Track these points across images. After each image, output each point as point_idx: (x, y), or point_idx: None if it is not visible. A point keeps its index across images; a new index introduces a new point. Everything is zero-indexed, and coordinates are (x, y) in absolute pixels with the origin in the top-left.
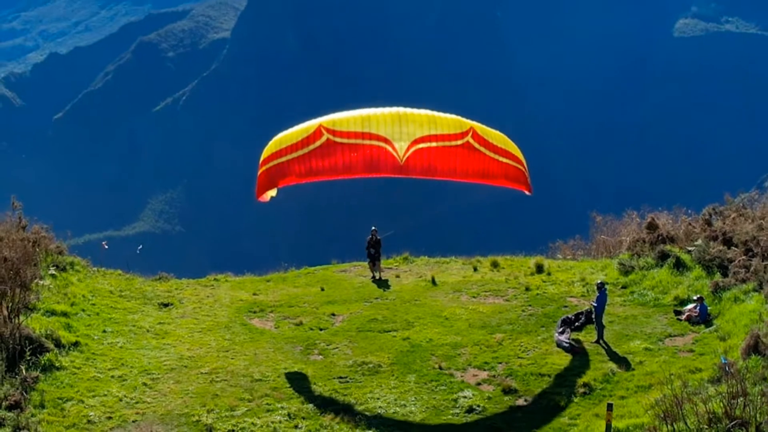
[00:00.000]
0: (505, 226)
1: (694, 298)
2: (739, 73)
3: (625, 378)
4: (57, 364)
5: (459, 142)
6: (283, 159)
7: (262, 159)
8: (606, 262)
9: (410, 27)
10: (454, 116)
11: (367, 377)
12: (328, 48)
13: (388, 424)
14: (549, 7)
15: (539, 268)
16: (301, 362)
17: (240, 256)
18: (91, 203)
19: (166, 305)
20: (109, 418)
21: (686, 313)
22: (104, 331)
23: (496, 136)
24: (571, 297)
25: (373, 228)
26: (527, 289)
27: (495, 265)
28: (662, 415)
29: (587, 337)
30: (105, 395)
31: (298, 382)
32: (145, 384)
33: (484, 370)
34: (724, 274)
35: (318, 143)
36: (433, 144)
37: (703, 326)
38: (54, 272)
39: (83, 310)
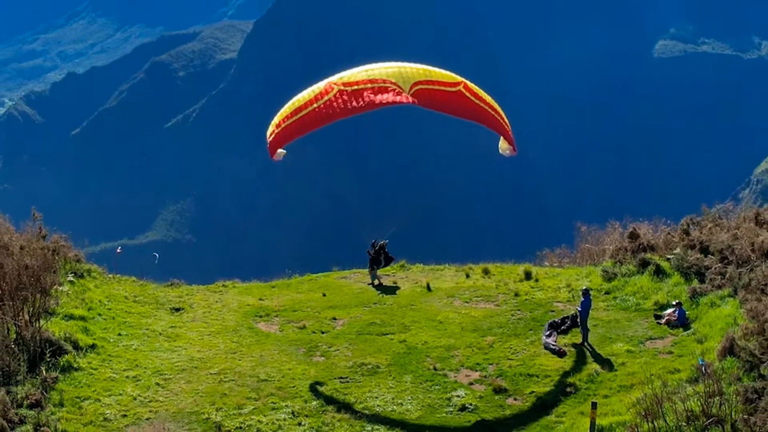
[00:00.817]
0: (495, 235)
1: (673, 303)
2: (714, 91)
3: (609, 378)
4: (75, 365)
5: (452, 89)
6: (303, 113)
7: (277, 121)
8: (590, 270)
9: (407, 47)
10: (446, 71)
11: (366, 377)
12: (329, 67)
13: (386, 421)
14: (537, 28)
15: (528, 275)
16: (304, 363)
17: (246, 262)
18: (106, 213)
19: (177, 310)
20: (124, 416)
21: (666, 317)
22: (119, 334)
23: (486, 95)
24: (558, 302)
25: (383, 241)
26: (516, 294)
27: (486, 272)
28: (643, 413)
29: (573, 339)
30: (120, 394)
31: (302, 382)
32: (157, 384)
33: (476, 370)
34: (701, 281)
35: (331, 95)
36: (431, 87)
37: (681, 329)
38: (72, 279)
39: (100, 315)
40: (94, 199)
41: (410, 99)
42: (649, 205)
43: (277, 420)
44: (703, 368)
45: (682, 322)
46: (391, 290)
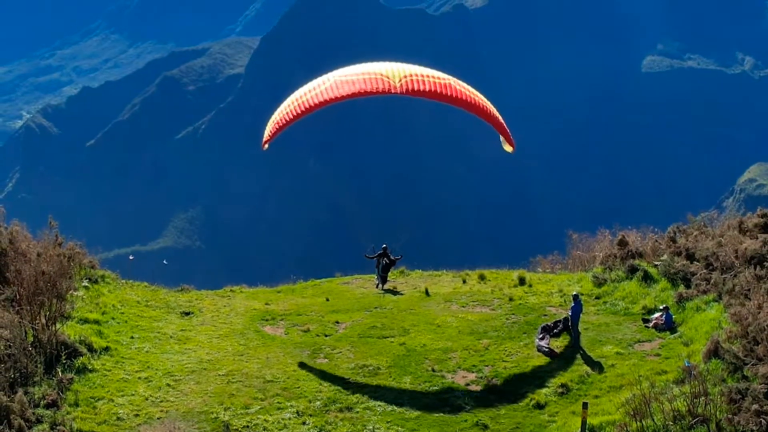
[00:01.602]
0: (489, 242)
1: (661, 307)
2: (700, 105)
3: (599, 379)
4: (90, 367)
5: (444, 81)
6: (296, 97)
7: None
8: (581, 275)
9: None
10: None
11: (368, 378)
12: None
13: (387, 420)
14: (529, 45)
15: (522, 281)
16: (308, 365)
17: (253, 268)
18: (119, 221)
19: (187, 314)
20: (137, 415)
21: (653, 321)
22: (132, 337)
23: (477, 92)
24: (551, 306)
25: (385, 245)
26: (511, 299)
27: (482, 277)
28: (632, 413)
29: (564, 342)
30: (133, 395)
31: (306, 383)
32: (168, 385)
33: (473, 372)
34: (687, 286)
35: (326, 84)
36: (420, 77)
37: (668, 333)
38: (87, 284)
39: (113, 319)
40: (108, 207)
41: (398, 89)
42: (637, 212)
43: (283, 419)
44: (689, 370)
45: (669, 326)
46: (393, 294)
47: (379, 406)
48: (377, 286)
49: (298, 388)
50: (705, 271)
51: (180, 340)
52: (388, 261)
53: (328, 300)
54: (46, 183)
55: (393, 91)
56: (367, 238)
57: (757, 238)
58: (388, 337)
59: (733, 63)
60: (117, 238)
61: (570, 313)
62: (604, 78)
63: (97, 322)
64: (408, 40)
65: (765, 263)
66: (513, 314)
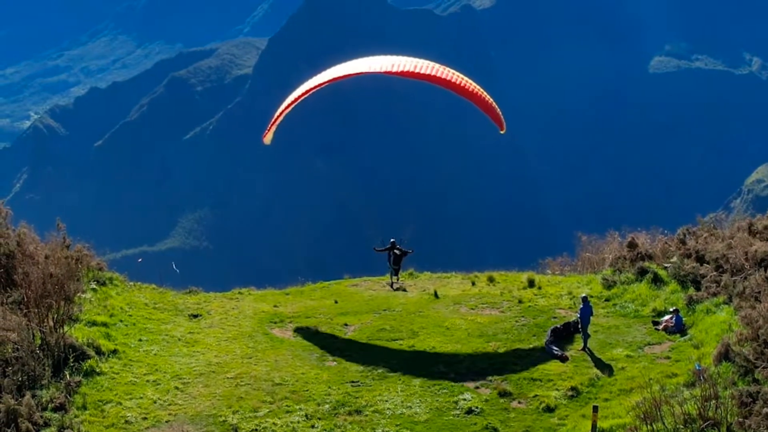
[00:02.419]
0: (497, 243)
1: (671, 309)
2: (707, 105)
3: (609, 382)
4: (98, 370)
5: (434, 66)
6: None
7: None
8: (591, 278)
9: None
10: None
11: (377, 381)
12: (339, 83)
13: (396, 424)
14: (536, 45)
15: (531, 283)
16: (317, 368)
17: (261, 268)
18: (127, 222)
19: (195, 316)
20: (145, 418)
21: (663, 324)
22: (140, 340)
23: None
24: (560, 309)
25: (393, 240)
26: (520, 301)
27: (491, 280)
28: (642, 416)
29: (574, 345)
30: (141, 398)
31: (315, 386)
32: (176, 388)
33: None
34: (697, 288)
35: (318, 75)
36: (415, 61)
37: (678, 335)
38: (95, 286)
39: (121, 321)
40: (116, 208)
41: (389, 70)
42: (644, 213)
43: (291, 423)
44: (700, 373)
45: (679, 329)
46: (401, 296)
47: (388, 409)
48: (391, 285)
49: (307, 391)
50: (715, 273)
51: (188, 343)
52: (399, 252)
53: (336, 302)
54: (53, 183)
55: (380, 69)
56: (375, 238)
57: (767, 240)
58: (397, 340)
59: (740, 64)
60: (124, 239)
61: (579, 315)
62: (611, 78)
63: (105, 324)
64: (415, 40)
65: None
66: (522, 317)
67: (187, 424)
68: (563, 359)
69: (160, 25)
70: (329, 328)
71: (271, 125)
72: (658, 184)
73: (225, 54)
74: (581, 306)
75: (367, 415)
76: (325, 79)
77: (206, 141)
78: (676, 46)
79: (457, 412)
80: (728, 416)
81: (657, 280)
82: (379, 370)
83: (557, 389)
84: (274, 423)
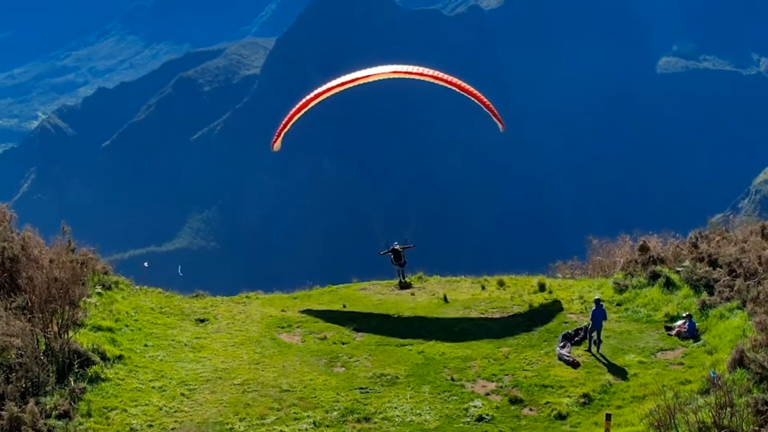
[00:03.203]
0: (506, 244)
1: (683, 315)
2: (715, 105)
3: (622, 389)
4: (102, 376)
5: (433, 71)
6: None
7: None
8: (602, 281)
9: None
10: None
11: (386, 388)
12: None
13: (405, 431)
14: (544, 46)
15: (541, 287)
16: (325, 374)
17: (269, 269)
18: (135, 222)
19: (202, 321)
20: (150, 426)
21: (676, 329)
22: (146, 345)
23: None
24: (571, 313)
25: (396, 242)
26: (531, 306)
27: (501, 284)
28: (656, 424)
29: (587, 351)
30: (146, 405)
31: (323, 392)
32: (182, 394)
33: (493, 381)
34: (710, 293)
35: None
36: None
37: (691, 341)
38: (100, 291)
39: (127, 326)
40: (124, 209)
41: (391, 73)
42: (652, 214)
43: (299, 430)
44: (714, 380)
45: (692, 334)
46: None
47: (397, 416)
48: (399, 284)
49: (315, 397)
50: (728, 277)
51: (194, 348)
52: (400, 248)
53: (345, 306)
54: (61, 184)
55: (384, 73)
56: (383, 239)
57: None
58: (406, 345)
59: (748, 64)
60: (132, 240)
61: (590, 318)
62: (618, 79)
63: (110, 329)
64: (423, 40)
65: None
66: (533, 321)
67: None
68: (575, 365)
69: (168, 26)
70: (337, 333)
71: (280, 132)
72: (666, 185)
73: (233, 54)
74: (593, 308)
75: (376, 423)
76: (333, 85)
77: (214, 141)
78: (684, 47)
79: (468, 419)
80: (744, 425)
81: (669, 285)
82: (388, 377)
83: (569, 396)
84: (281, 431)
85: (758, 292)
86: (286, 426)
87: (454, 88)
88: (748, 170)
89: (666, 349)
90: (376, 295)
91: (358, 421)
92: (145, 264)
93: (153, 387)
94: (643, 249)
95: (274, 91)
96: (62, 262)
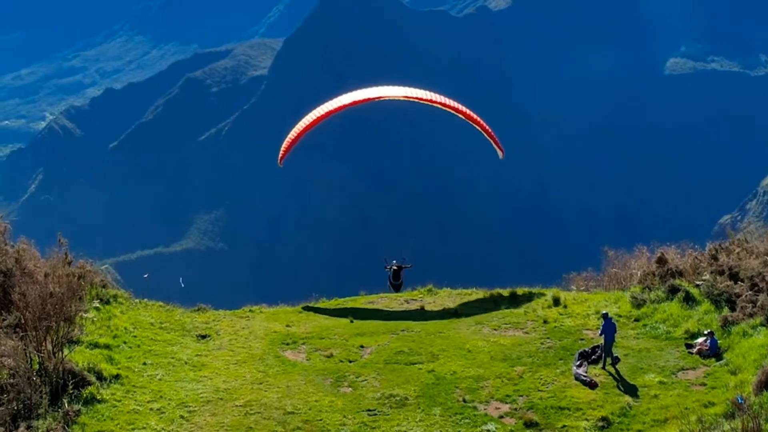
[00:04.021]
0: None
1: (705, 332)
2: (722, 106)
3: (642, 411)
4: (98, 397)
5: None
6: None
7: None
8: (619, 295)
9: (428, 64)
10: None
11: (395, 410)
12: (354, 84)
13: None
14: (552, 46)
15: (556, 301)
16: (331, 395)
17: (277, 270)
18: (142, 223)
19: (203, 337)
20: None
21: (697, 347)
22: (144, 363)
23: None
24: (587, 330)
25: (395, 261)
26: (545, 321)
27: (514, 297)
28: None
29: (603, 370)
30: (144, 428)
31: (329, 414)
32: (182, 417)
33: (506, 403)
34: (732, 309)
35: (331, 101)
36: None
37: (713, 360)
38: (98, 305)
39: (125, 343)
40: (131, 209)
41: (392, 95)
42: (660, 214)
43: None
44: (740, 403)
45: (714, 352)
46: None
47: None
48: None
49: (321, 420)
50: (751, 292)
51: (195, 367)
52: (397, 267)
53: (352, 321)
54: (68, 184)
55: (391, 95)
56: (390, 244)
57: None
58: (416, 363)
59: (756, 65)
60: (140, 240)
61: (601, 334)
62: (626, 80)
63: (107, 346)
64: (431, 41)
65: None
66: (548, 338)
67: None
68: (592, 386)
69: (175, 26)
70: (344, 350)
71: (288, 148)
72: (673, 185)
73: (240, 55)
74: (602, 323)
75: None
76: (343, 104)
77: (221, 142)
78: (692, 48)
79: None
80: None
81: (689, 299)
82: (397, 397)
83: (587, 419)
84: None
85: None
86: None
87: (459, 116)
88: (755, 171)
89: (687, 369)
90: (384, 309)
91: None
92: (145, 276)
93: (151, 409)
94: (661, 261)
95: (282, 91)
96: (58, 276)
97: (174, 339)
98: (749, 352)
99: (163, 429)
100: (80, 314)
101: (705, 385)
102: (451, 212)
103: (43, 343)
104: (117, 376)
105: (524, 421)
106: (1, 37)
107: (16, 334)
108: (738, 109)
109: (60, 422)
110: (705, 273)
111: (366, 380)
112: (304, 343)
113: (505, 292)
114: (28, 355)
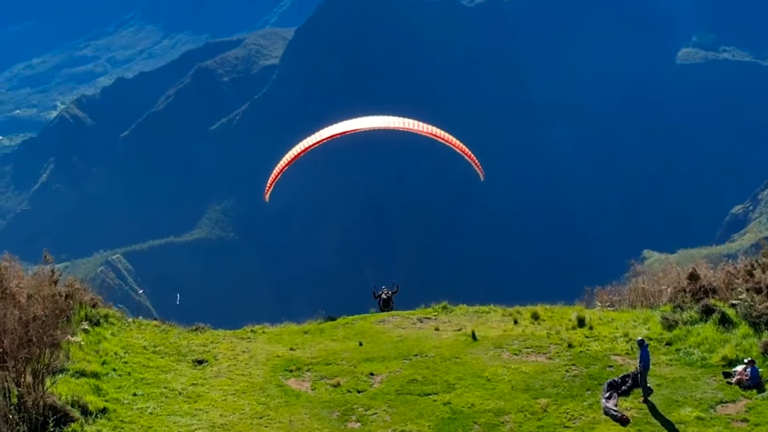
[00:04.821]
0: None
1: (745, 360)
2: (735, 96)
3: None
4: None
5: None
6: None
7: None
8: (648, 314)
9: (440, 55)
10: None
11: None
12: (366, 74)
13: None
14: (563, 36)
15: (581, 322)
16: (338, 430)
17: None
18: (153, 212)
19: (200, 362)
20: None
21: (736, 377)
22: (134, 395)
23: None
24: (615, 355)
25: (384, 287)
26: (570, 345)
27: (535, 316)
28: None
29: (636, 403)
30: None
31: None
32: None
33: None
34: None
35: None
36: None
37: (755, 391)
38: (87, 327)
39: (114, 370)
40: (142, 199)
41: (384, 125)
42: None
43: None
44: None
45: (755, 383)
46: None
47: None
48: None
49: None
50: None
51: (190, 398)
52: (386, 296)
53: (361, 344)
54: (79, 174)
55: (378, 125)
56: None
57: None
58: (430, 394)
59: None
60: (151, 230)
61: (640, 363)
62: (638, 71)
63: (95, 375)
64: (442, 31)
65: None
66: (573, 365)
67: None
68: (624, 422)
69: (186, 16)
70: (352, 378)
71: (272, 183)
72: (685, 176)
73: (252, 44)
74: (640, 351)
75: None
76: (322, 137)
77: (232, 132)
78: (704, 38)
79: None
80: None
81: (725, 321)
82: None
83: None
84: None
85: None
86: None
87: (439, 140)
88: (767, 161)
89: (726, 402)
90: (396, 329)
91: None
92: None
93: None
94: (693, 277)
95: (294, 81)
96: (43, 297)
97: (168, 365)
98: None
99: None
100: (67, 338)
101: (747, 421)
102: (463, 207)
103: (23, 375)
104: (104, 410)
105: None
106: (12, 27)
107: None
108: (750, 99)
109: None
110: (741, 291)
111: (376, 413)
112: (308, 370)
113: (526, 311)
114: (6, 387)
